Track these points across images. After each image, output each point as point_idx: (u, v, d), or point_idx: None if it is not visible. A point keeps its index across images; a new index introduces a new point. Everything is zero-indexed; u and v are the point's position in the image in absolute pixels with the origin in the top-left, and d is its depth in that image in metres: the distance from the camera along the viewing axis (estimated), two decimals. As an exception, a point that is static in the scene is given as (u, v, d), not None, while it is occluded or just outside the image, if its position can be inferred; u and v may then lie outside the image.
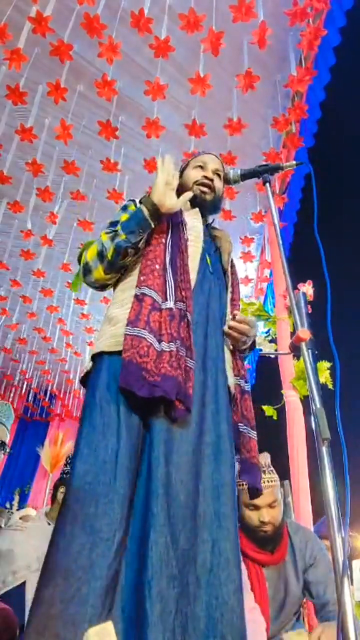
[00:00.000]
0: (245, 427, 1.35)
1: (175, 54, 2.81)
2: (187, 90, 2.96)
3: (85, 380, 1.30)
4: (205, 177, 1.59)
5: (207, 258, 1.49)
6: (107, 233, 1.38)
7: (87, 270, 1.40)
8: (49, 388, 8.23)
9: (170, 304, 1.26)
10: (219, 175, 1.63)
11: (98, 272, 1.37)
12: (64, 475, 2.30)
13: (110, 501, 1.00)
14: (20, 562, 1.94)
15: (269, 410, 3.46)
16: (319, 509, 2.75)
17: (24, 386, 8.13)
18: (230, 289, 1.54)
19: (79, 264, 1.47)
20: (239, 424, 1.35)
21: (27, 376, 7.60)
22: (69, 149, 3.73)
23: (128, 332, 1.17)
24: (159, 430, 1.11)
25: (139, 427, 1.14)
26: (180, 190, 1.50)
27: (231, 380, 1.38)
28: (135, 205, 1.50)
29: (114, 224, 1.45)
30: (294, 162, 1.43)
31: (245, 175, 1.47)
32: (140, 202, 1.40)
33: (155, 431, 1.11)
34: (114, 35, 2.67)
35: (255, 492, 1.34)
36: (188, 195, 1.46)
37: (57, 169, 3.88)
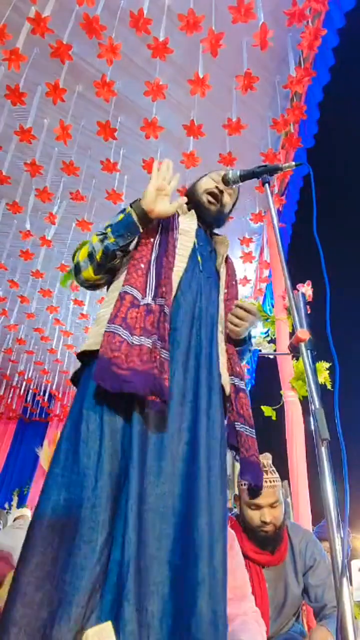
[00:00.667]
0: (242, 425, 1.34)
1: (174, 54, 2.81)
2: (186, 91, 2.96)
3: (74, 380, 1.33)
4: (217, 188, 1.62)
5: (198, 257, 1.51)
6: (97, 235, 1.41)
7: (78, 270, 1.44)
8: (48, 388, 8.23)
9: (148, 299, 1.29)
10: (230, 195, 1.68)
11: (88, 273, 1.42)
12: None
13: (92, 505, 1.01)
14: None
15: (268, 411, 3.46)
16: (318, 509, 2.75)
17: (23, 386, 8.13)
18: (225, 290, 1.54)
19: (73, 262, 1.50)
20: (235, 423, 1.34)
21: (26, 377, 7.60)
22: (68, 150, 3.73)
23: (106, 329, 1.20)
24: (137, 431, 1.12)
25: (122, 427, 1.14)
26: (189, 197, 1.57)
27: (225, 378, 1.37)
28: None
29: (108, 227, 1.48)
30: (293, 163, 1.43)
31: (244, 176, 1.47)
32: (131, 206, 1.42)
33: (135, 432, 1.11)
34: (113, 36, 2.67)
35: (255, 490, 1.33)
36: (182, 200, 1.49)
37: (56, 170, 3.88)
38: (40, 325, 6.24)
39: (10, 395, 8.44)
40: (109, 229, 1.40)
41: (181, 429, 1.19)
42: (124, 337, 1.18)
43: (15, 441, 8.95)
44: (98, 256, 1.38)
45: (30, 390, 8.28)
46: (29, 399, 8.41)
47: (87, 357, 1.29)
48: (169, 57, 2.77)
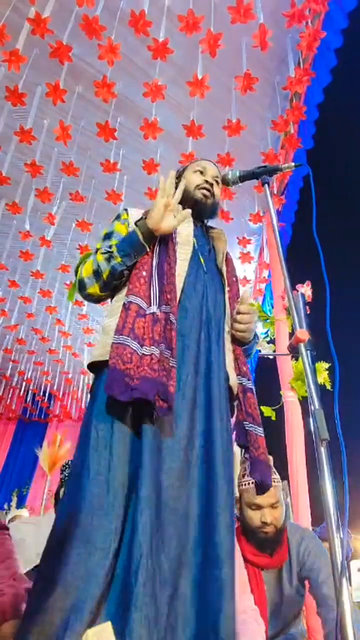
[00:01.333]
0: (250, 425, 1.35)
1: (174, 55, 2.81)
2: (186, 92, 2.96)
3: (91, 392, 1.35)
4: (206, 182, 1.63)
5: (200, 259, 1.51)
6: (103, 253, 1.39)
7: (82, 286, 1.43)
8: (48, 389, 8.23)
9: (154, 308, 1.29)
10: (217, 182, 1.68)
11: (94, 289, 1.41)
12: (65, 478, 2.34)
13: (106, 513, 1.03)
14: (32, 551, 2.03)
15: (267, 411, 3.46)
16: (317, 510, 2.75)
17: (23, 387, 8.13)
18: (227, 288, 1.55)
19: (75, 276, 1.50)
20: (244, 422, 1.35)
21: (25, 377, 7.60)
22: (67, 150, 3.73)
23: (114, 341, 1.21)
24: (148, 437, 1.13)
25: (132, 435, 1.17)
26: (184, 193, 1.55)
27: (233, 379, 1.39)
28: (127, 213, 1.55)
29: (108, 235, 1.49)
30: (293, 164, 1.43)
31: (244, 177, 1.47)
32: (137, 224, 1.41)
33: (145, 439, 1.13)
34: (113, 36, 2.67)
35: (264, 487, 1.34)
36: (187, 212, 1.47)
37: (56, 170, 3.88)
38: (39, 326, 6.24)
39: (10, 395, 8.44)
40: (114, 248, 1.39)
41: (195, 433, 1.21)
42: (134, 348, 1.20)
43: (15, 441, 8.94)
44: (105, 276, 1.38)
45: (30, 391, 8.27)
46: (28, 399, 8.40)
47: (96, 367, 1.31)
48: (168, 57, 2.78)
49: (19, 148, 3.64)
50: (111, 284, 1.40)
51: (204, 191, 1.62)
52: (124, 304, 1.29)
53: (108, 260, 1.37)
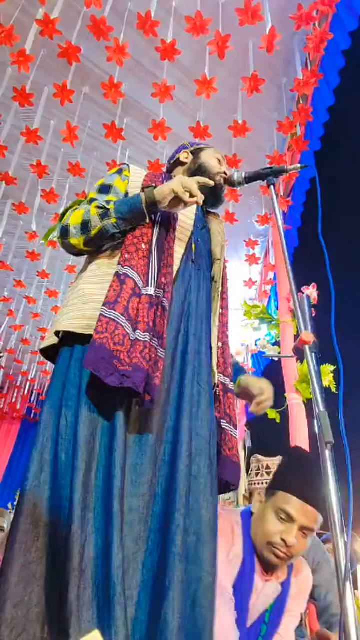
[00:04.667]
0: (227, 424, 1.32)
1: (181, 56, 2.81)
2: (192, 93, 2.97)
3: (47, 352, 1.28)
4: (225, 173, 1.57)
5: (193, 245, 1.42)
6: (98, 207, 1.27)
7: (65, 233, 1.31)
8: (52, 389, 8.22)
9: (151, 290, 1.20)
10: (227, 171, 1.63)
11: (77, 241, 1.29)
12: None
13: (77, 505, 0.97)
14: None
15: (272, 413, 3.45)
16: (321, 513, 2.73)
17: (27, 387, 8.14)
18: (220, 281, 1.49)
19: (60, 220, 1.37)
20: (222, 421, 1.33)
21: (29, 377, 7.61)
22: (74, 151, 3.74)
23: (105, 314, 1.10)
24: (121, 426, 1.06)
25: (103, 423, 1.09)
26: (197, 173, 1.50)
27: (215, 377, 1.36)
28: (129, 171, 1.44)
29: (106, 189, 1.38)
30: (299, 165, 1.43)
31: (250, 178, 1.47)
32: (143, 190, 1.30)
33: (118, 427, 1.05)
34: (121, 37, 2.68)
35: (229, 487, 1.30)
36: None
37: (63, 171, 3.89)
38: (45, 326, 6.25)
39: (14, 395, 8.46)
40: (112, 206, 1.27)
41: (164, 428, 1.15)
42: (127, 331, 1.11)
43: (19, 441, 8.96)
44: (94, 232, 1.26)
45: (34, 391, 8.29)
46: (32, 399, 8.41)
47: (68, 335, 1.19)
48: (175, 59, 2.78)
49: (25, 148, 3.65)
50: (97, 243, 1.29)
51: (222, 180, 1.55)
52: (118, 274, 1.18)
53: (102, 217, 1.25)
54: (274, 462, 1.93)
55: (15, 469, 8.59)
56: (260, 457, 1.96)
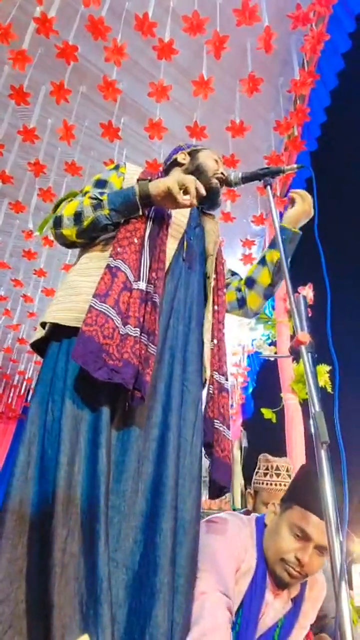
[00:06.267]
0: (220, 424, 1.31)
1: (178, 56, 2.81)
2: (189, 93, 2.96)
3: (37, 346, 1.25)
4: (222, 174, 1.57)
5: (185, 242, 1.42)
6: (91, 198, 1.27)
7: (58, 223, 1.31)
8: (48, 388, 8.19)
9: (142, 284, 1.19)
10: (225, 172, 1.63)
11: (69, 232, 1.29)
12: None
13: (61, 501, 0.96)
14: None
15: (267, 413, 3.47)
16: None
17: (23, 386, 8.12)
18: (213, 276, 1.49)
19: (54, 210, 1.38)
20: (214, 420, 1.31)
21: (26, 376, 7.59)
22: (71, 150, 3.73)
23: (95, 306, 1.09)
24: (106, 422, 1.05)
25: (90, 418, 1.07)
26: (195, 174, 1.49)
27: (207, 374, 1.34)
28: (126, 168, 1.44)
29: (102, 183, 1.38)
30: (295, 166, 1.44)
31: (247, 178, 1.47)
32: (138, 182, 1.30)
33: (103, 423, 1.04)
34: (118, 37, 2.67)
35: (220, 490, 1.28)
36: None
37: (59, 170, 3.88)
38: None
39: (11, 394, 8.44)
40: (105, 197, 1.27)
41: (150, 425, 1.14)
42: (117, 324, 1.10)
43: (15, 441, 8.93)
44: (86, 223, 1.25)
45: (31, 390, 8.27)
46: (28, 398, 8.40)
47: (57, 327, 1.19)
48: (172, 58, 2.77)
49: (22, 147, 3.64)
50: (89, 234, 1.29)
51: (217, 181, 1.56)
52: (110, 267, 1.17)
53: (95, 208, 1.25)
54: (284, 463, 1.88)
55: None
56: (269, 456, 1.92)
